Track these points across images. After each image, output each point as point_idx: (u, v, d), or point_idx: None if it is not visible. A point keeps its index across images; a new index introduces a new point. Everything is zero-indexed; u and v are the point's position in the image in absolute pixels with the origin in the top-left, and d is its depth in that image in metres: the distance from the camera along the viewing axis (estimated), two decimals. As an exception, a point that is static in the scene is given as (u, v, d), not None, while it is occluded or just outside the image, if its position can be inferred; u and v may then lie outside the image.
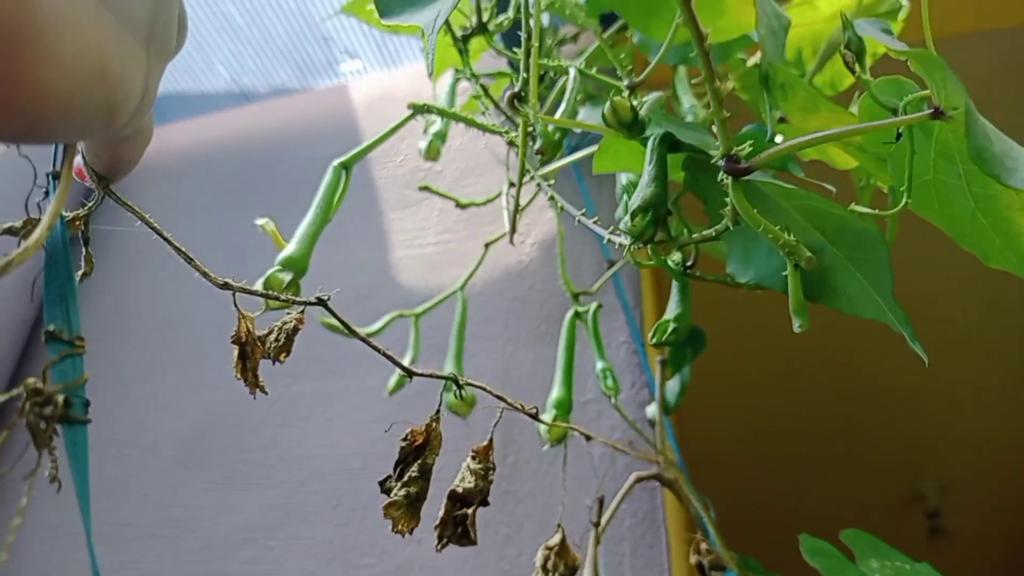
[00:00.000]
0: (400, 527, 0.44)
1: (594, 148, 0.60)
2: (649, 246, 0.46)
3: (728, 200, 0.40)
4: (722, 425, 2.16)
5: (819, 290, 0.44)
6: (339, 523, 0.74)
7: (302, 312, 0.44)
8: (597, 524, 0.64)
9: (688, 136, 0.49)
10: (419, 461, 0.48)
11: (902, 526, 2.44)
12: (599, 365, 0.69)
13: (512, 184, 0.78)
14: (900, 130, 0.44)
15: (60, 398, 0.29)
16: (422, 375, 0.48)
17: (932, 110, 0.40)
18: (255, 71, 1.12)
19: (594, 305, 0.72)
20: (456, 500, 0.50)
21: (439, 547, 0.47)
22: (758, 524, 2.33)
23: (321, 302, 0.42)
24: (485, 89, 0.73)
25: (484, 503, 0.52)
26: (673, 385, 0.79)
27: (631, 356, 0.79)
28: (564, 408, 0.66)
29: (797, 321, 0.40)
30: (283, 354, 0.44)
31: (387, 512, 0.44)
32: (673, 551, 0.69)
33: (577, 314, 0.72)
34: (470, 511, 0.49)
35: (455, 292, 0.78)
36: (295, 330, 0.44)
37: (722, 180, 0.40)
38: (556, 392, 0.66)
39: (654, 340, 0.59)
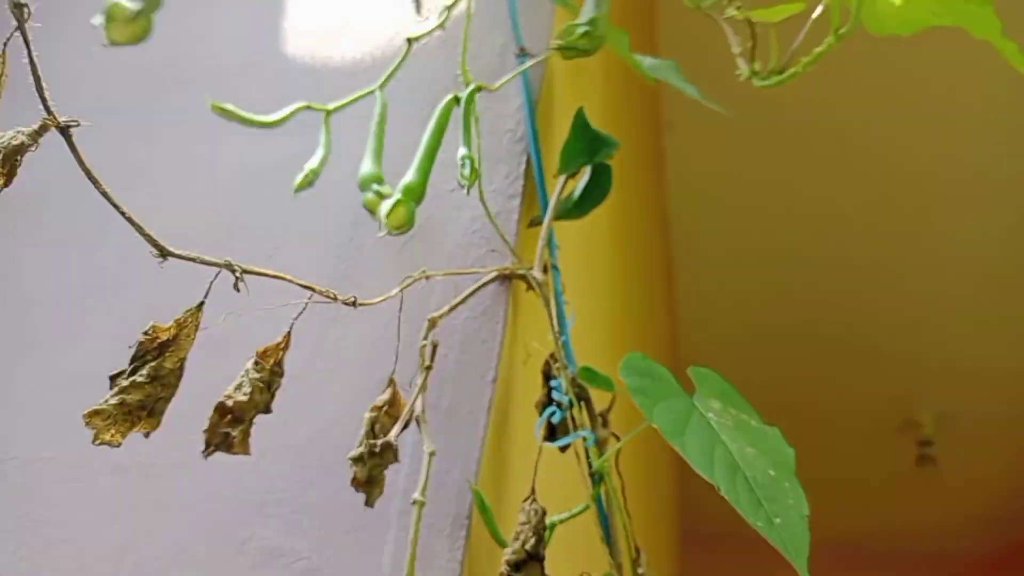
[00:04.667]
0: (103, 438, 0.41)
1: None
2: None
3: None
4: (716, 314, 2.06)
5: None
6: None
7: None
8: (428, 368, 0.55)
9: None
10: (155, 363, 0.43)
11: (892, 449, 2.34)
12: (461, 151, 0.59)
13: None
14: None
15: None
16: (184, 258, 0.42)
17: None
18: None
19: (472, 86, 0.62)
20: (225, 414, 0.46)
21: (205, 454, 0.45)
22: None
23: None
24: None
25: (265, 412, 0.47)
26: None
27: (512, 145, 0.68)
28: (414, 194, 0.56)
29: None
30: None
31: (88, 420, 0.41)
32: (506, 352, 0.60)
33: (456, 99, 0.62)
34: (239, 429, 0.45)
35: (372, 91, 0.68)
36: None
37: None
38: (409, 176, 0.57)
39: (561, 42, 0.49)
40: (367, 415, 0.53)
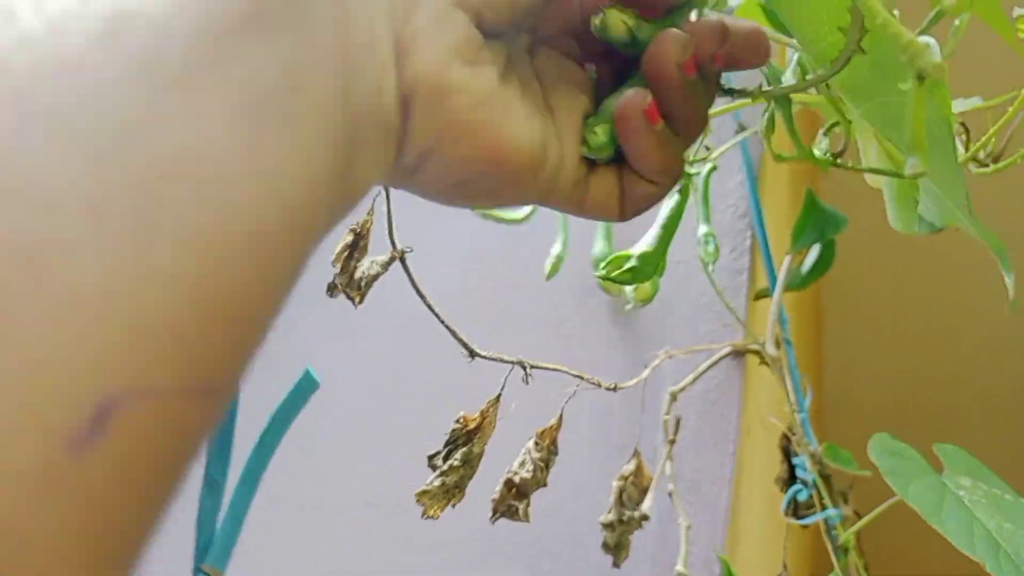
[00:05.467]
0: (430, 513, 0.47)
1: None
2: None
3: None
4: (867, 380, 2.00)
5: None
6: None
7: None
8: (672, 442, 0.59)
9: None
10: (465, 448, 0.50)
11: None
12: (702, 229, 0.63)
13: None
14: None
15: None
16: (485, 357, 0.49)
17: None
18: None
19: (708, 166, 0.66)
20: (512, 488, 0.52)
21: (492, 520, 0.50)
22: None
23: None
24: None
25: (543, 486, 0.52)
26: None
27: (736, 221, 0.71)
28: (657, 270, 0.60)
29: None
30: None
31: (419, 499, 0.47)
32: (743, 427, 0.63)
33: (688, 176, 0.66)
34: (523, 503, 0.51)
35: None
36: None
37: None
38: (647, 247, 0.61)
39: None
40: (616, 483, 0.57)
